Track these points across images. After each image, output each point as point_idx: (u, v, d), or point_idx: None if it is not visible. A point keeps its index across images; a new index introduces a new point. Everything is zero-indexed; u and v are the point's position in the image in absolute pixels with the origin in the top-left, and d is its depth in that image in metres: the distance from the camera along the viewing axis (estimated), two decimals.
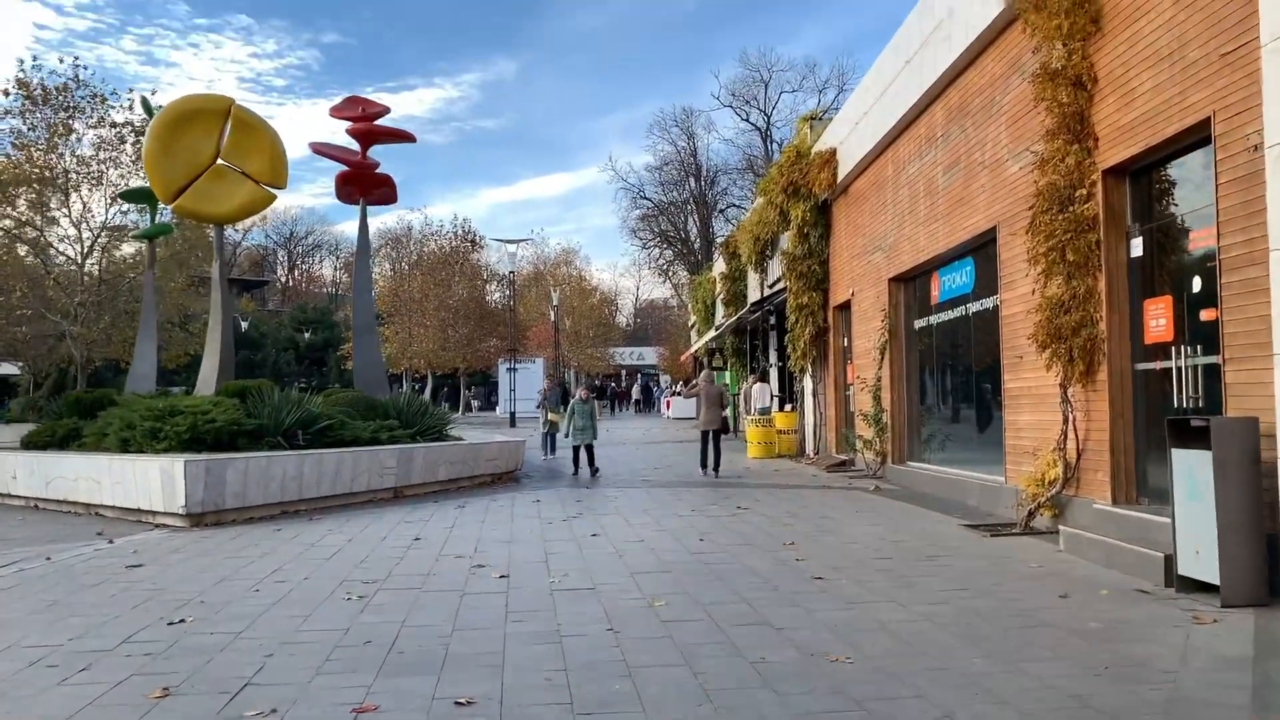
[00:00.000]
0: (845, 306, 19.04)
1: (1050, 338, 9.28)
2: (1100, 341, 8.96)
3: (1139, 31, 8.33)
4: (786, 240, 21.13)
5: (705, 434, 17.71)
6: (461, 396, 54.05)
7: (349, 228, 54.44)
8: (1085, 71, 9.05)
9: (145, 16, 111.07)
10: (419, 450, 15.26)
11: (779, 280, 23.72)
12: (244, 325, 74.20)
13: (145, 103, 20.05)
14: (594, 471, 17.73)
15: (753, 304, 24.31)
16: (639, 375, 79.13)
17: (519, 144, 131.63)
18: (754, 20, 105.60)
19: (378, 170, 20.80)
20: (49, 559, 9.36)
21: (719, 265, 36.63)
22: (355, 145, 20.62)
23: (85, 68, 27.36)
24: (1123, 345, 8.86)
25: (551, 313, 61.44)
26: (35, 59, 30.38)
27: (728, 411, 21.75)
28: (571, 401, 17.92)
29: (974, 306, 12.78)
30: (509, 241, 40.08)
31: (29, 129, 27.54)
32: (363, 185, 20.58)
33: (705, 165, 67.09)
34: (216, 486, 12.08)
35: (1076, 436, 9.36)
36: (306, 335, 73.21)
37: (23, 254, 27.63)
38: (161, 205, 19.98)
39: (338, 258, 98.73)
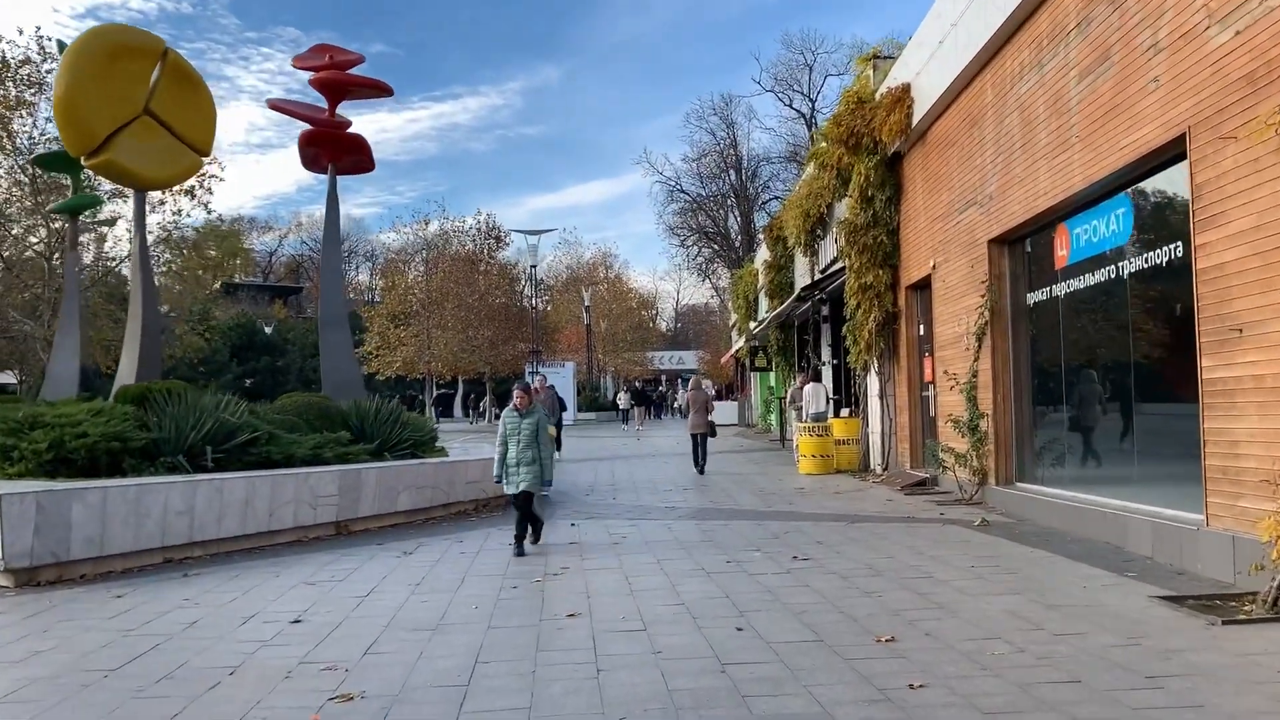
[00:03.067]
0: (922, 285, 15.17)
1: None
2: None
3: None
4: (845, 208, 17.31)
5: (694, 436, 18.77)
6: (485, 402, 50.61)
7: (389, 237, 50.47)
8: None
9: (196, 31, 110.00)
10: (369, 472, 11.65)
11: (834, 261, 19.91)
12: (268, 330, 71.83)
13: (60, 45, 16.72)
14: (518, 548, 9.30)
15: (802, 289, 20.52)
16: (679, 379, 75.37)
17: (562, 150, 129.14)
18: (800, 21, 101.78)
19: (349, 131, 17.32)
20: None
21: (762, 254, 32.86)
22: (324, 101, 17.20)
23: (49, 39, 24.04)
24: None
25: (584, 313, 57.99)
26: None
27: (774, 416, 17.80)
28: (503, 414, 10.04)
29: (1132, 264, 8.90)
30: (529, 232, 36.69)
31: None
32: (332, 149, 17.10)
33: (746, 156, 63.16)
34: (55, 530, 8.53)
35: None
36: None
37: None
38: (85, 172, 16.65)
39: (374, 264, 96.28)
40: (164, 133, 14.24)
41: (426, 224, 46.99)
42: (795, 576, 7.67)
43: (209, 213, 28.33)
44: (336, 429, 13.44)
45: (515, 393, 9.93)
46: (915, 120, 14.41)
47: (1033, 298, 11.34)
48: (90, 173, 17.24)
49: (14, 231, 25.24)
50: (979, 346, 12.20)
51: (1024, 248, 11.71)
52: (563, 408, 21.50)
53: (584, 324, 58.82)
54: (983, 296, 11.96)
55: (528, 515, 9.66)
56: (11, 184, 25.13)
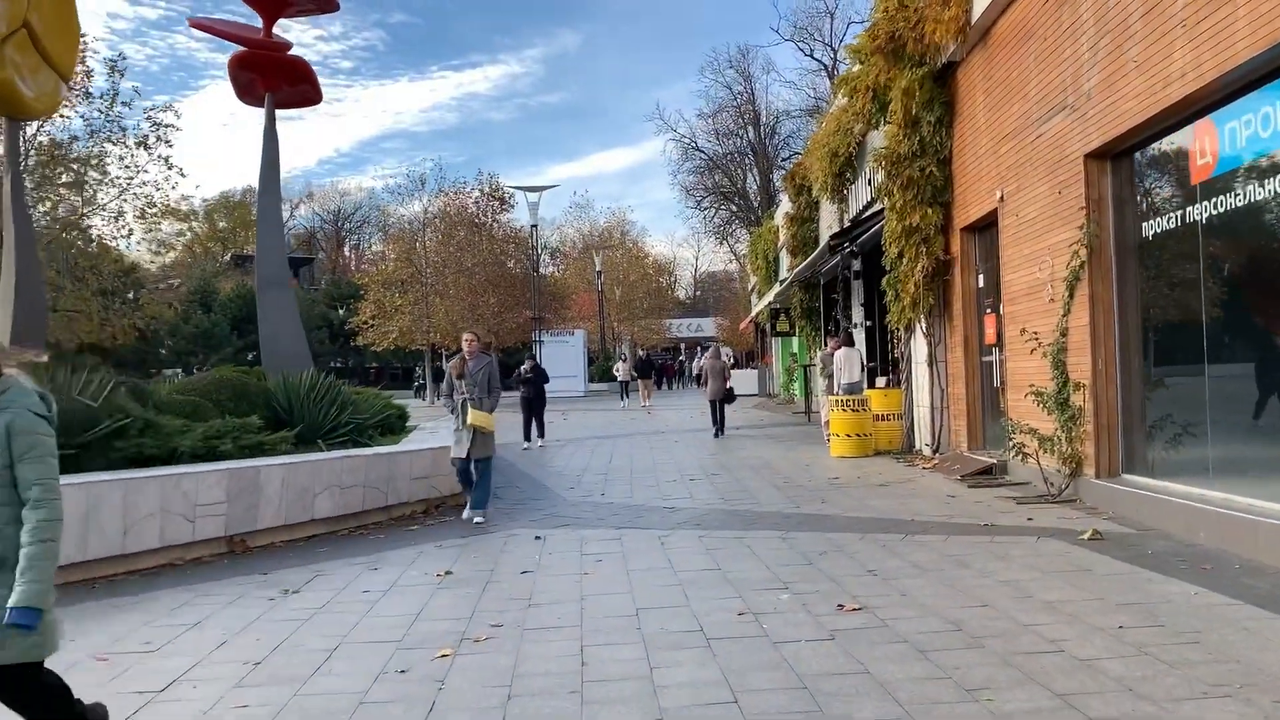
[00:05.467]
0: (983, 225, 12.29)
1: None
2: None
3: None
4: (883, 137, 14.37)
5: (712, 403, 19.41)
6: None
7: (409, 210, 45.86)
8: None
9: (215, 2, 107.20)
10: (272, 470, 8.88)
11: (868, 207, 17.05)
12: None
13: None
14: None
15: (831, 238, 17.58)
16: (698, 346, 72.44)
17: (582, 118, 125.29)
18: None
19: (289, 54, 14.56)
20: None
21: (783, 207, 29.92)
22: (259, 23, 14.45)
23: None
24: None
25: (596, 279, 55.24)
26: None
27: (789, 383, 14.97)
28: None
29: None
30: (530, 189, 33.82)
31: None
32: (269, 74, 14.41)
33: (765, 111, 59.77)
34: None
35: None
36: (340, 312, 68.68)
37: None
38: None
39: (385, 233, 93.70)
40: (34, 51, 11.53)
41: (423, 182, 43.92)
42: (844, 649, 4.87)
43: (170, 167, 25.51)
44: (256, 411, 10.80)
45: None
46: (976, 15, 11.46)
47: (1150, 228, 8.42)
48: None
49: None
50: (1070, 296, 9.32)
51: (1133, 162, 8.79)
52: (542, 379, 18.36)
53: (596, 290, 55.98)
54: (1080, 228, 9.04)
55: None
56: None
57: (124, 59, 26.07)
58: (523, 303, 43.88)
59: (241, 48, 14.13)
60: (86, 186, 25.48)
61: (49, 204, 25.56)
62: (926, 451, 14.00)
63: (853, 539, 7.88)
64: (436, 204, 44.93)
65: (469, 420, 9.48)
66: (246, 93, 14.50)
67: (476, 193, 44.78)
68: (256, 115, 14.13)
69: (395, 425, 13.55)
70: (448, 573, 7.19)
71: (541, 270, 49.67)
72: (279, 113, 14.48)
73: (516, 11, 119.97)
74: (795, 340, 30.07)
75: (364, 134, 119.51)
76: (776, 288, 28.54)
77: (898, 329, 14.86)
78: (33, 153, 24.23)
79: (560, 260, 67.94)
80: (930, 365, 13.94)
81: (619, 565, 7.20)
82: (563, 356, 42.61)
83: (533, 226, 36.91)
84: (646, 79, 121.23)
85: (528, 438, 17.56)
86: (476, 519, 9.53)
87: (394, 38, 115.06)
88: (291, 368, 12.88)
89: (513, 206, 46.57)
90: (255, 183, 14.82)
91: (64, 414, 8.21)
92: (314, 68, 14.86)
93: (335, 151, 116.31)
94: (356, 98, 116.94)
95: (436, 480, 10.56)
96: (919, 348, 14.40)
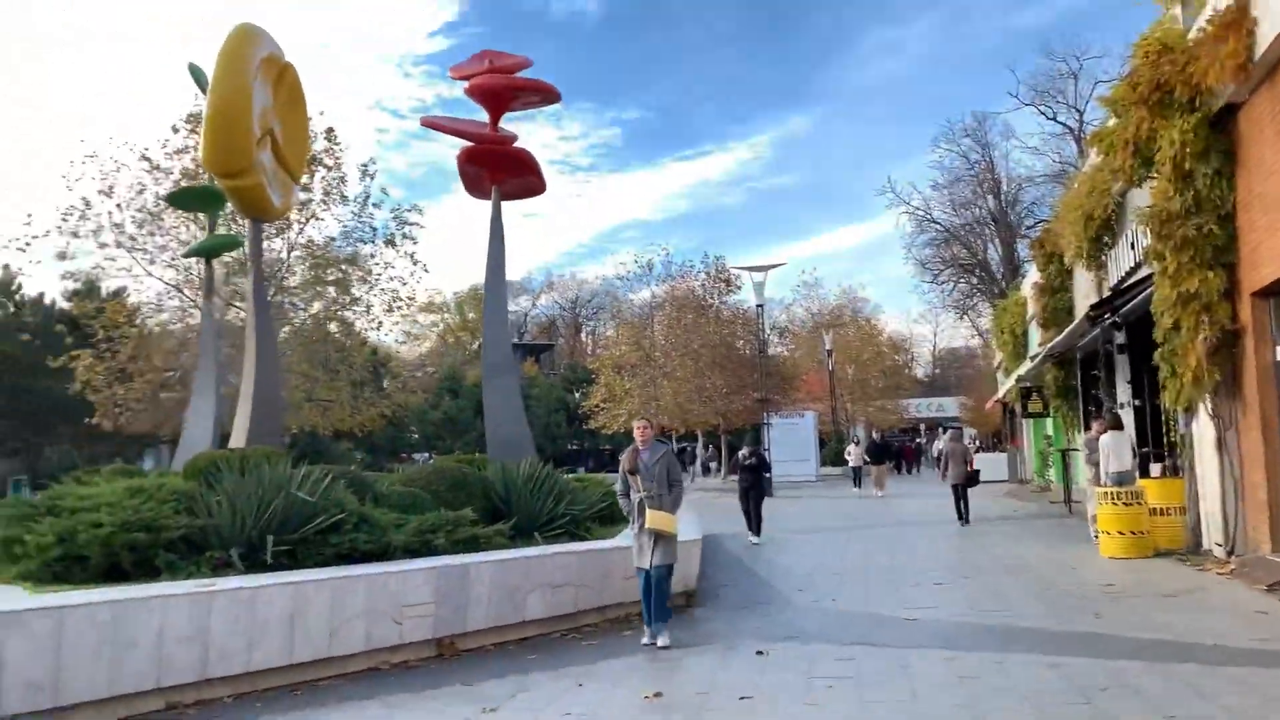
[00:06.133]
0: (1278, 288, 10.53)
1: None
2: None
3: None
4: (1149, 194, 12.78)
5: (955, 487, 18.70)
6: (703, 455, 48.09)
7: (638, 297, 46.14)
8: None
9: (466, 110, 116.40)
10: (483, 568, 8.48)
11: (1132, 271, 15.30)
12: None
13: (195, 69, 15.03)
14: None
15: (1091, 309, 15.82)
16: (939, 429, 68.87)
17: (813, 198, 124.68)
18: (1065, 43, 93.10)
19: (514, 146, 14.75)
20: None
21: (1030, 277, 27.90)
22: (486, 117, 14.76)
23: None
24: None
25: (826, 358, 53.90)
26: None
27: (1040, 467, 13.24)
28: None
29: None
30: (755, 269, 33.26)
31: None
32: (495, 167, 14.60)
33: (1005, 179, 57.00)
34: None
35: None
36: (577, 395, 70.97)
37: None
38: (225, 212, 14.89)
39: (617, 318, 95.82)
40: (275, 157, 12.16)
41: (650, 268, 44.67)
42: None
43: (414, 263, 26.94)
44: (474, 502, 10.56)
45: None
46: (1260, 49, 9.94)
47: None
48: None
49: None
50: None
51: None
52: (763, 467, 17.16)
53: (827, 369, 54.53)
54: None
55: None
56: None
57: (374, 163, 27.93)
58: (750, 384, 43.17)
59: (469, 143, 14.41)
60: (349, 285, 27.22)
61: (318, 303, 27.41)
62: (1218, 552, 12.01)
63: (1139, 669, 6.50)
64: (663, 289, 45.48)
65: (647, 523, 8.11)
66: (474, 186, 14.77)
67: (703, 275, 45.01)
68: (520, 213, 14.33)
69: (615, 515, 13.07)
70: (658, 694, 6.42)
71: (770, 351, 48.89)
72: (521, 210, 14.75)
73: (748, 100, 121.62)
74: (1049, 421, 27.67)
75: (600, 225, 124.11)
76: (1026, 364, 26.41)
77: (1174, 409, 13.01)
78: (294, 253, 26.21)
79: (789, 339, 67.00)
80: (1219, 451, 12.01)
81: (853, 695, 6.19)
82: (793, 440, 41.52)
83: (759, 306, 36.29)
84: (877, 155, 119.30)
85: (752, 530, 16.39)
86: (661, 642, 8.08)
87: (629, 133, 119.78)
88: (514, 454, 12.72)
89: (739, 288, 46.36)
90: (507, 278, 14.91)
91: (282, 509, 8.21)
92: (554, 166, 15.09)
93: (574, 244, 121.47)
94: (594, 192, 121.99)
95: None
96: (1204, 430, 12.49)
